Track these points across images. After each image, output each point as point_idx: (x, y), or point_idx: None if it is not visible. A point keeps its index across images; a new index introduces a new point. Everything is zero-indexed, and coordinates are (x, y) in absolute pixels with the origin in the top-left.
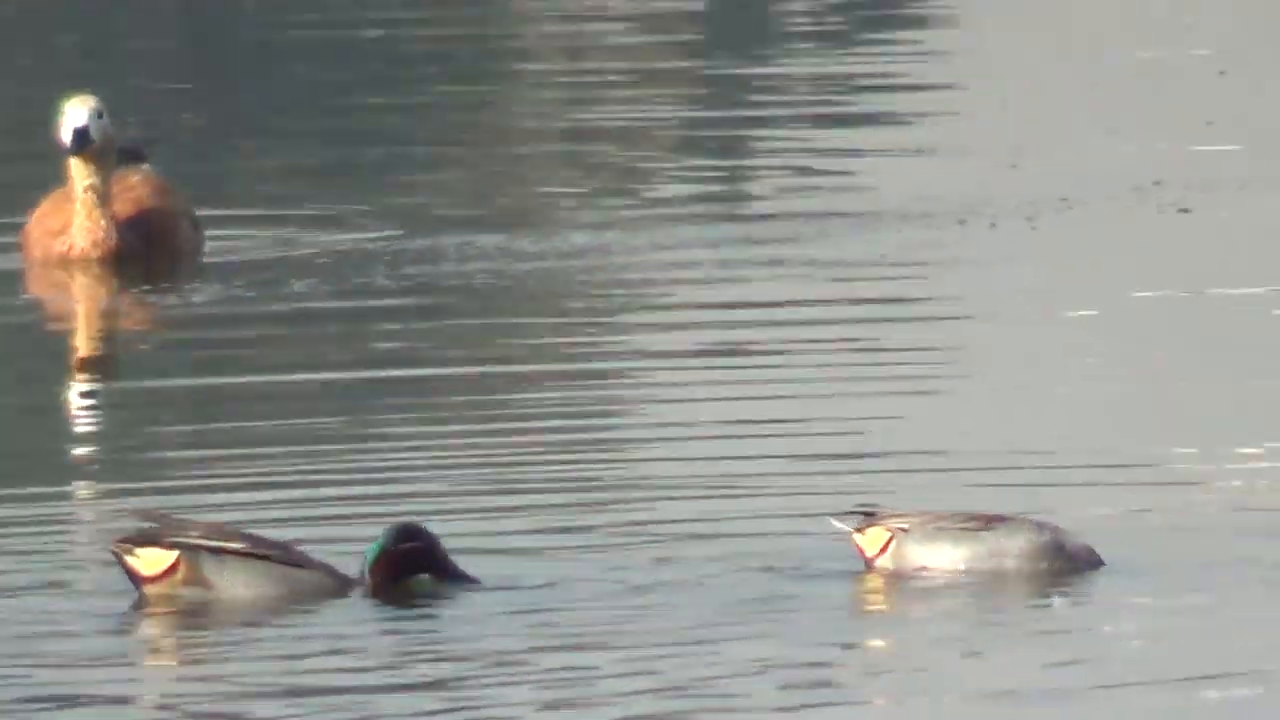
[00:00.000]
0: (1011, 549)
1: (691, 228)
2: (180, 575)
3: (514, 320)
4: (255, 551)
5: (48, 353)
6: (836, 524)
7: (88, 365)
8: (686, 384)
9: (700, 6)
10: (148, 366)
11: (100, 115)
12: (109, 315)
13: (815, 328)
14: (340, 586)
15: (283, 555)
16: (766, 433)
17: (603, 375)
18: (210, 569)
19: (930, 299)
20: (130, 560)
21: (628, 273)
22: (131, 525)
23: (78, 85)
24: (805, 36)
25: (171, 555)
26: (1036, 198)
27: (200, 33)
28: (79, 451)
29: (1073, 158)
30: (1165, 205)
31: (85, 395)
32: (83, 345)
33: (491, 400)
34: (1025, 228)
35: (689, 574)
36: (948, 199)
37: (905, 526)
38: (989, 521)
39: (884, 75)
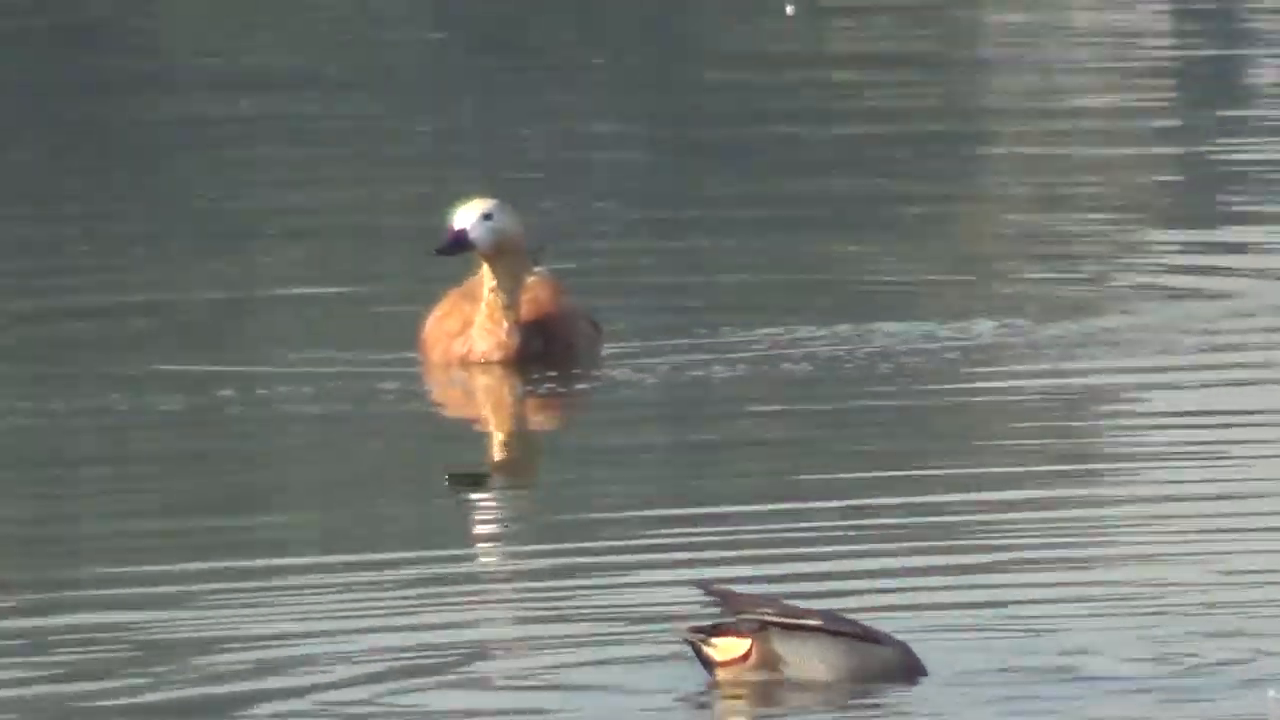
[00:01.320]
0: None
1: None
2: (753, 660)
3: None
4: (830, 628)
5: (476, 454)
6: None
7: (513, 464)
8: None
9: (1169, 50)
10: (573, 465)
11: (489, 217)
12: (519, 416)
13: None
14: (912, 666)
15: (859, 631)
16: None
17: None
18: (783, 647)
19: None
20: (707, 650)
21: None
22: (708, 614)
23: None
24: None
25: (745, 644)
26: None
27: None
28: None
29: None
30: None
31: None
32: (502, 447)
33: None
34: None
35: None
36: None
37: None
38: None
39: None
